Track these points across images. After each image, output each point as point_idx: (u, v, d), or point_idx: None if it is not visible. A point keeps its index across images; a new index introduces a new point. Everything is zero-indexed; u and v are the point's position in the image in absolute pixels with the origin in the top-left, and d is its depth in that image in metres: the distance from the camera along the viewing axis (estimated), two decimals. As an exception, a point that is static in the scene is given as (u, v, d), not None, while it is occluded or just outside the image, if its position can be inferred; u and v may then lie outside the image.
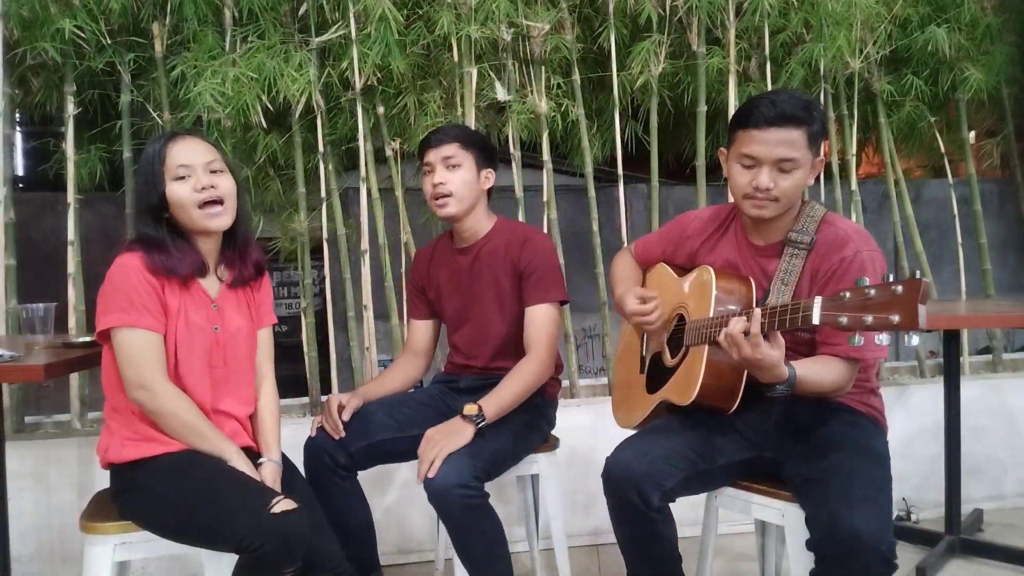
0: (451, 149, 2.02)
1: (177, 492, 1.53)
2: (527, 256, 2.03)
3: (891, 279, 1.23)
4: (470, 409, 1.86)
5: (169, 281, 1.62)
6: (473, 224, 2.09)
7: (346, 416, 1.96)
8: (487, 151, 2.10)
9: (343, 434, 1.93)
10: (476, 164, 2.05)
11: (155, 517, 1.56)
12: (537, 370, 1.96)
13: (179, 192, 1.61)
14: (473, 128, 2.52)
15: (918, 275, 1.20)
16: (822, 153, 1.69)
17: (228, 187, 1.66)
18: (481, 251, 2.09)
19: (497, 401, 1.89)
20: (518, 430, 1.95)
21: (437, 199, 2.02)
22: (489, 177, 2.09)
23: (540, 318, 2.00)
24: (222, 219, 1.64)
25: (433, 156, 2.03)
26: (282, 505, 1.47)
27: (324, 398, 2.88)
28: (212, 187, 1.62)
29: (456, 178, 2.01)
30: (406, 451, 2.01)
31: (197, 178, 1.61)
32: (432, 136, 2.06)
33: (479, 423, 1.85)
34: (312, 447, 1.94)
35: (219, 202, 1.63)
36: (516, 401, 1.93)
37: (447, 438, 1.82)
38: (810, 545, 1.46)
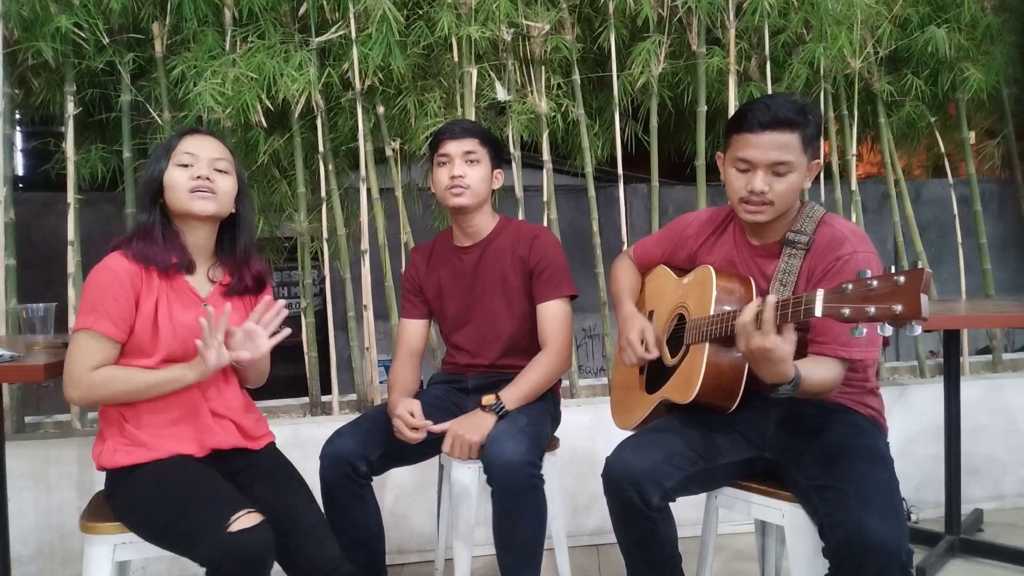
0: (472, 144, 2.04)
1: (156, 501, 1.54)
2: (537, 253, 2.06)
3: (893, 270, 1.23)
4: (488, 399, 1.93)
5: (148, 278, 1.61)
6: (479, 221, 2.11)
7: (418, 414, 1.95)
8: (499, 151, 2.14)
9: (422, 435, 1.93)
10: (491, 162, 2.08)
11: (139, 523, 1.57)
12: (555, 363, 2.03)
13: (176, 176, 1.64)
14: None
15: (919, 265, 1.21)
16: (820, 155, 1.69)
17: (226, 187, 1.68)
18: (487, 249, 2.10)
19: (516, 391, 1.96)
20: (550, 421, 2.03)
21: (452, 189, 2.03)
22: (499, 177, 2.13)
23: (554, 313, 2.05)
24: (207, 203, 1.64)
25: (453, 148, 2.03)
26: (240, 523, 1.43)
27: (325, 398, 2.90)
28: (209, 180, 1.64)
29: (474, 173, 2.04)
30: (421, 454, 2.05)
31: (198, 167, 1.64)
32: (450, 128, 2.07)
33: (500, 411, 1.92)
34: (331, 458, 1.90)
35: (211, 191, 1.64)
36: (535, 393, 2.00)
37: (470, 432, 1.88)
38: (827, 552, 1.45)
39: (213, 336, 1.56)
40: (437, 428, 1.93)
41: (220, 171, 1.67)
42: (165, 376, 1.59)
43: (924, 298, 1.18)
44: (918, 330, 1.21)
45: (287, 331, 1.67)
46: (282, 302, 1.67)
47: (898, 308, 1.20)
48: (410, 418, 1.92)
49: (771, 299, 1.41)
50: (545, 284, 2.05)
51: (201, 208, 1.64)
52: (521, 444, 1.80)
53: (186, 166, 1.64)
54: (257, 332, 1.65)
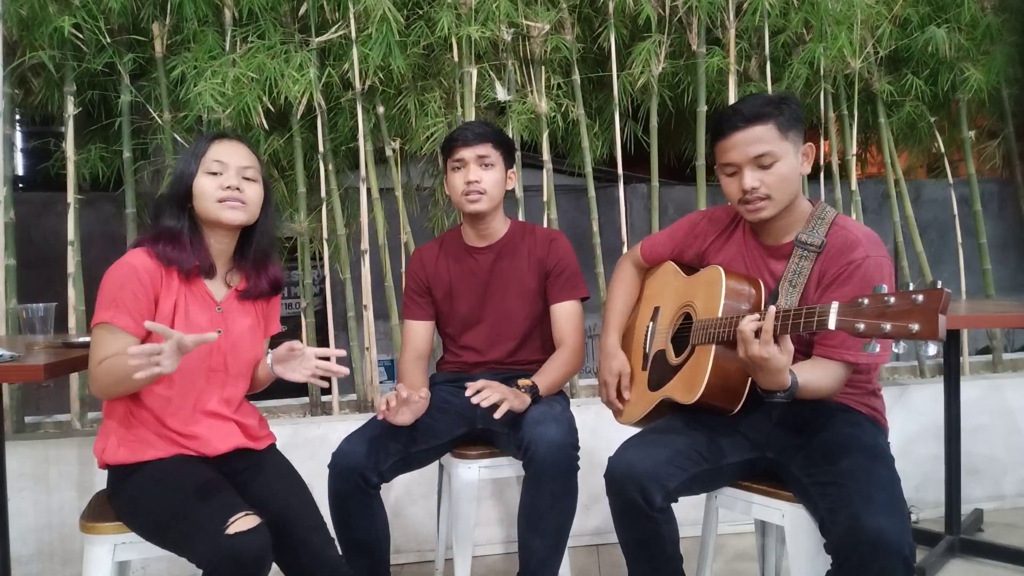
0: (486, 148, 2.05)
1: (155, 502, 1.54)
2: (555, 255, 2.11)
3: (912, 288, 1.22)
4: (524, 383, 1.96)
5: (169, 278, 1.62)
6: (494, 224, 2.13)
7: (421, 398, 1.92)
8: (511, 152, 2.15)
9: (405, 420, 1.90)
10: (504, 164, 2.10)
11: (139, 522, 1.57)
12: (573, 361, 2.09)
13: (205, 185, 1.64)
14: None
15: (939, 285, 1.20)
16: (804, 139, 1.68)
17: (254, 195, 1.68)
18: (503, 250, 2.12)
19: (547, 379, 2.01)
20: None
21: (469, 195, 2.04)
22: (512, 178, 2.14)
23: (569, 314, 2.11)
24: (236, 213, 1.65)
25: (467, 153, 2.04)
26: (238, 525, 1.43)
27: (325, 398, 2.90)
28: (238, 190, 1.65)
29: (489, 177, 2.05)
30: (430, 458, 2.04)
31: (227, 176, 1.65)
32: (463, 133, 2.07)
33: (535, 395, 1.96)
34: (343, 469, 1.87)
35: (240, 201, 1.65)
36: (558, 385, 2.06)
37: (513, 398, 1.89)
38: (829, 548, 1.45)
39: (175, 350, 1.43)
40: (474, 384, 1.89)
41: (248, 179, 1.67)
42: (118, 366, 1.51)
43: (942, 319, 1.17)
44: (932, 349, 1.21)
45: (324, 383, 1.73)
46: (346, 370, 1.67)
47: (915, 327, 1.20)
48: (401, 393, 1.85)
49: (772, 310, 1.42)
50: (562, 285, 2.10)
51: (231, 218, 1.65)
52: (563, 426, 1.87)
53: (215, 174, 1.65)
54: (309, 360, 1.65)
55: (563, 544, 1.89)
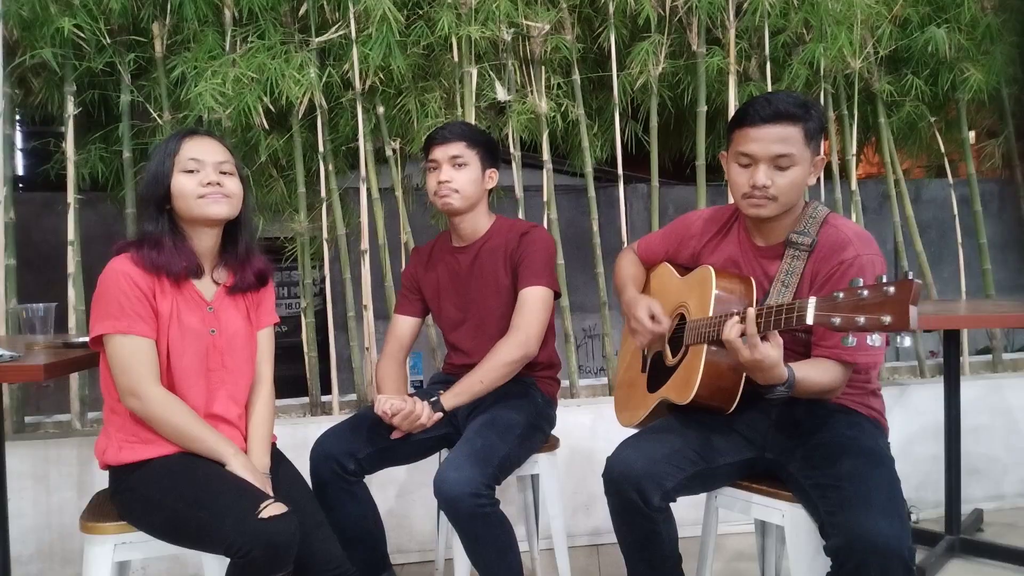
0: (458, 148, 2.04)
1: (170, 495, 1.53)
2: (523, 247, 2.06)
3: (884, 280, 1.23)
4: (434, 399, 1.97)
5: (160, 282, 1.61)
6: (473, 223, 2.11)
7: (396, 404, 1.94)
8: (492, 150, 2.12)
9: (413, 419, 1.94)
10: (481, 163, 2.08)
11: (149, 519, 1.57)
12: (510, 351, 1.98)
13: (184, 184, 1.62)
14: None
15: (910, 276, 1.21)
16: (822, 152, 1.68)
17: (235, 188, 1.67)
18: (481, 250, 2.11)
19: (456, 390, 1.98)
20: (523, 432, 1.95)
21: (440, 194, 2.05)
22: (492, 176, 2.12)
23: (524, 298, 2.02)
24: (221, 206, 1.64)
25: (440, 154, 2.05)
26: (270, 510, 1.46)
27: (325, 398, 2.90)
28: (218, 184, 1.64)
29: (461, 177, 2.04)
30: (413, 454, 2.04)
31: (205, 173, 1.63)
32: (439, 133, 2.07)
33: (436, 408, 1.96)
34: (319, 455, 1.91)
35: (223, 194, 1.64)
36: (485, 388, 1.98)
37: (418, 417, 1.92)
38: (828, 551, 1.45)
39: None
40: (382, 406, 1.94)
41: (225, 173, 1.66)
42: (211, 437, 1.60)
43: (913, 310, 1.18)
44: (907, 341, 1.21)
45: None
46: None
47: (887, 319, 1.20)
48: (388, 415, 1.91)
49: (751, 312, 1.41)
50: (523, 272, 2.04)
51: (216, 212, 1.64)
52: (465, 473, 1.75)
53: (192, 172, 1.63)
54: None
55: (511, 569, 1.82)
